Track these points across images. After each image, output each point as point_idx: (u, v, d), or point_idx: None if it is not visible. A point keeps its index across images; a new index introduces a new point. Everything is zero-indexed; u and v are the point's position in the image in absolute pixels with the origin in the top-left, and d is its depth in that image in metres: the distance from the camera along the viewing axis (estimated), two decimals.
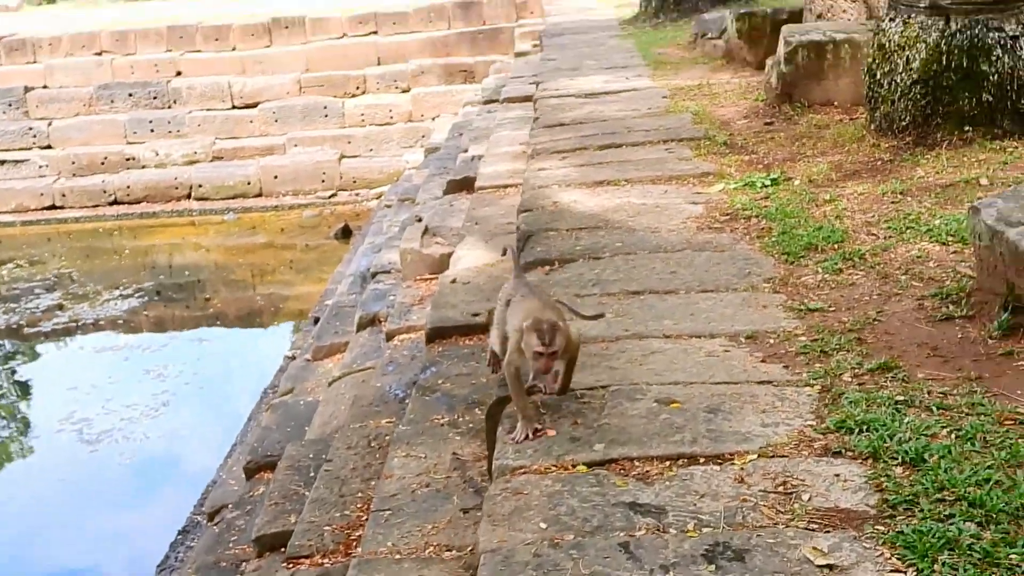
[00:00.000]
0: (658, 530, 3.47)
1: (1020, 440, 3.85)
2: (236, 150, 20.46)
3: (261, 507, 6.42)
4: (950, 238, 5.95)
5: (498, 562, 3.36)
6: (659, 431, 4.05)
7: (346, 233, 16.62)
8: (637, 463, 3.87)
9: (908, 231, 6.15)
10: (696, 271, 5.72)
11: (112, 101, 21.19)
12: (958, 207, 6.44)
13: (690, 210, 6.92)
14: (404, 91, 21.34)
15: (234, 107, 21.12)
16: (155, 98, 21.20)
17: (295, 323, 13.97)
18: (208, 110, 21.03)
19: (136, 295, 15.46)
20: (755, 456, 3.88)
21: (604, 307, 5.33)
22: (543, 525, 3.54)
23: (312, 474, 6.33)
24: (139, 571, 8.24)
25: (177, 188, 19.78)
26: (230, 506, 7.49)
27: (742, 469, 3.80)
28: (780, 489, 3.67)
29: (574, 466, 3.89)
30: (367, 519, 5.06)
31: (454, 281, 7.18)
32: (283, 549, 5.67)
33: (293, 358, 11.10)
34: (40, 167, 20.41)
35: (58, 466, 10.27)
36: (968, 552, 3.24)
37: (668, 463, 3.87)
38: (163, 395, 11.38)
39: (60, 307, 15.00)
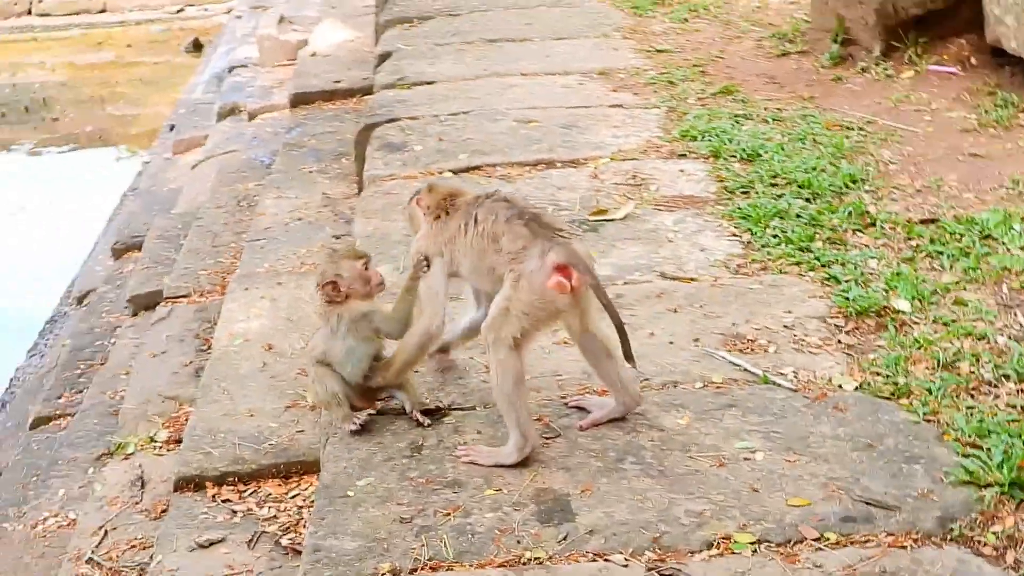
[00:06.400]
0: None
1: (845, 139, 4.26)
2: None
3: (132, 278, 6.56)
4: None
5: (374, 242, 3.63)
6: (519, 143, 4.34)
7: (197, 46, 16.29)
8: (499, 168, 4.16)
9: None
10: (551, 23, 5.98)
11: None
12: None
13: None
14: None
15: None
16: None
17: (148, 139, 13.75)
18: None
19: None
20: (608, 159, 4.21)
21: (463, 53, 5.56)
22: None
23: (182, 242, 6.48)
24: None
25: (16, 3, 19.04)
26: (99, 286, 7.59)
27: (596, 169, 4.13)
28: (631, 182, 4.00)
29: (440, 173, 4.16)
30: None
31: (314, 54, 7.29)
32: (156, 307, 5.86)
33: (149, 163, 11.04)
34: None
35: None
36: (796, 219, 3.62)
37: (528, 168, 4.17)
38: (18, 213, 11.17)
39: None
